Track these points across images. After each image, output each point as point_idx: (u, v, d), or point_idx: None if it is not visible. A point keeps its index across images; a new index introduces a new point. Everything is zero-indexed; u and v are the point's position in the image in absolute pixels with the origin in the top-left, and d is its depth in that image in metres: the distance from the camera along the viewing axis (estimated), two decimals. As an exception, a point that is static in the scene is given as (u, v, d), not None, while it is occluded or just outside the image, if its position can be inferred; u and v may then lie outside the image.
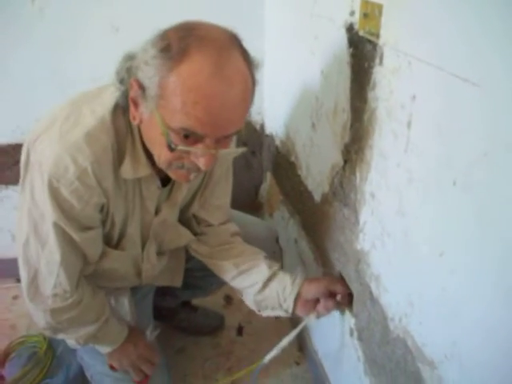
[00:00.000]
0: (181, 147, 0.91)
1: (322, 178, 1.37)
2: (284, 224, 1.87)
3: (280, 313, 1.29)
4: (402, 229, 0.94)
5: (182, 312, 1.84)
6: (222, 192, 1.37)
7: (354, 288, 1.22)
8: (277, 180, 1.98)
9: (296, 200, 1.69)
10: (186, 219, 1.37)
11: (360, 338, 1.23)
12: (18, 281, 1.87)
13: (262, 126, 2.05)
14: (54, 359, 1.65)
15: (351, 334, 1.29)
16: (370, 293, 1.12)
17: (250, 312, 1.90)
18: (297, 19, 1.47)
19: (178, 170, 1.00)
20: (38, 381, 1.57)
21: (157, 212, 1.21)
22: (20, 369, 1.59)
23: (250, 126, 2.04)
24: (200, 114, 0.85)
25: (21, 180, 1.04)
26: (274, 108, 1.88)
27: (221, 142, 0.94)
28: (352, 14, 1.04)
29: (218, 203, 1.38)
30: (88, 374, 1.44)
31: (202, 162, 0.94)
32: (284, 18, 1.62)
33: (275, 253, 1.70)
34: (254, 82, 0.95)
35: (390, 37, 0.90)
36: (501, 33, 0.62)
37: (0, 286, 2.00)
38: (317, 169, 1.42)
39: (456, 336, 0.81)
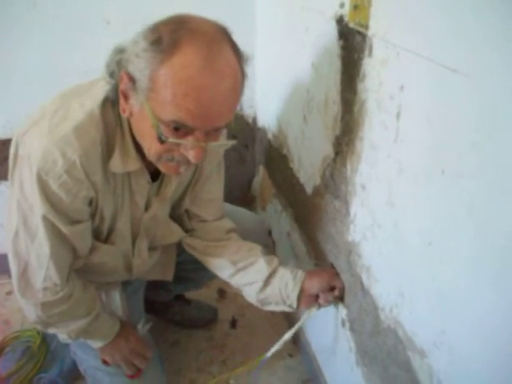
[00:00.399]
0: (171, 139, 0.91)
1: (314, 170, 1.37)
2: (277, 217, 1.88)
3: (284, 308, 1.29)
4: (392, 219, 0.95)
5: (176, 305, 1.85)
6: (214, 186, 1.37)
7: (346, 279, 1.23)
8: (269, 173, 1.98)
9: (288, 193, 1.70)
10: (178, 216, 1.37)
11: (352, 329, 1.24)
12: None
13: (255, 120, 2.05)
14: (48, 353, 1.65)
15: (343, 325, 1.30)
16: (361, 284, 1.13)
17: (244, 305, 1.93)
18: (288, 12, 1.47)
19: (168, 163, 1.00)
20: (33, 375, 1.58)
21: (147, 207, 1.21)
22: (14, 363, 1.59)
23: (242, 119, 2.04)
24: (190, 106, 0.86)
25: (10, 173, 1.03)
26: (266, 101, 1.88)
27: (211, 134, 0.94)
28: (342, 5, 1.05)
29: (210, 197, 1.37)
30: (81, 369, 1.45)
31: (191, 155, 0.94)
32: (275, 11, 1.62)
33: (268, 246, 1.71)
34: (243, 75, 0.95)
35: (379, 28, 0.90)
36: (490, 23, 0.62)
37: (-6, 282, 2.00)
38: (308, 161, 1.43)
39: (445, 325, 0.82)
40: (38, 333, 1.69)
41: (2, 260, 1.87)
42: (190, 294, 1.90)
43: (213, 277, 1.59)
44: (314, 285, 1.25)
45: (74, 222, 1.06)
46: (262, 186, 2.12)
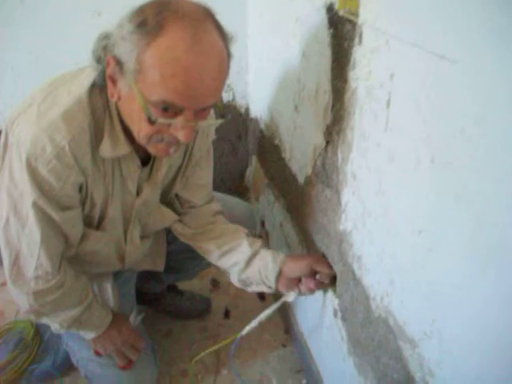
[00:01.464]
0: (161, 120, 0.92)
1: (305, 160, 1.37)
2: (269, 208, 1.87)
3: (264, 289, 1.31)
4: (383, 208, 0.95)
5: (168, 296, 1.85)
6: (204, 172, 1.38)
7: (338, 269, 1.22)
8: (262, 163, 1.98)
9: (281, 183, 1.69)
10: (168, 201, 1.38)
11: (344, 319, 1.24)
12: (3, 268, 1.87)
13: (247, 110, 2.05)
14: (41, 344, 1.66)
15: (335, 315, 1.30)
16: (353, 273, 1.13)
17: (237, 295, 1.94)
18: (278, 2, 1.46)
19: (158, 144, 1.00)
20: (26, 366, 1.58)
21: (138, 193, 1.21)
22: (7, 354, 1.60)
23: (234, 110, 2.03)
24: (179, 86, 0.87)
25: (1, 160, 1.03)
26: (258, 92, 1.87)
27: (199, 113, 0.95)
28: (332, -7, 1.04)
29: (200, 183, 1.38)
30: (74, 360, 1.44)
31: (181, 134, 0.95)
32: (266, 1, 1.61)
33: (261, 236, 1.70)
34: (228, 55, 0.96)
35: (369, 16, 0.89)
36: (477, 9, 0.62)
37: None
38: (300, 151, 1.42)
39: (435, 313, 0.82)
40: (32, 324, 1.69)
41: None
42: (184, 285, 1.90)
43: (205, 266, 1.64)
44: (294, 268, 1.26)
45: (64, 208, 1.05)
46: (255, 176, 2.12)
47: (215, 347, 1.46)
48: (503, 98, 0.60)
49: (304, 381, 1.64)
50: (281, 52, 1.49)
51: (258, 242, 1.32)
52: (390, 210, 0.93)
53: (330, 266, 1.26)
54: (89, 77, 1.02)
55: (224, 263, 1.34)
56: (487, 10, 0.60)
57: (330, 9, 1.05)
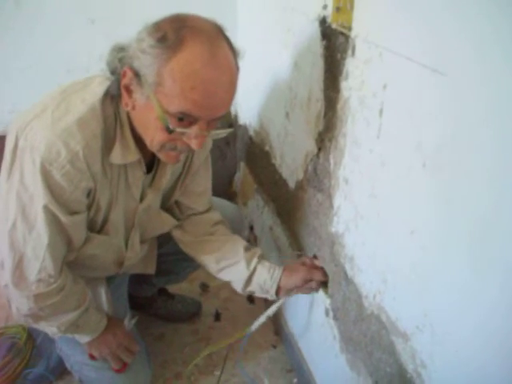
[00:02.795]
0: (178, 129, 0.98)
1: (297, 165, 1.42)
2: (258, 212, 1.92)
3: (268, 297, 1.37)
4: (375, 211, 1.00)
5: (159, 300, 1.88)
6: (203, 179, 1.43)
7: (329, 269, 1.28)
8: (250, 169, 2.02)
9: (271, 188, 1.74)
10: (167, 208, 1.42)
11: (335, 318, 1.29)
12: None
13: (236, 117, 2.09)
14: (34, 349, 1.66)
15: (327, 314, 1.35)
16: (345, 273, 1.18)
17: (227, 299, 1.99)
18: (269, 12, 1.51)
19: (171, 152, 1.07)
20: (19, 371, 1.58)
21: (142, 199, 1.25)
22: (0, 360, 1.60)
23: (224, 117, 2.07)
24: (197, 97, 0.93)
25: (6, 166, 1.06)
26: (247, 99, 1.92)
27: (211, 123, 1.02)
28: (325, 7, 1.09)
29: (199, 190, 1.43)
30: (68, 365, 1.47)
31: (194, 143, 1.01)
32: (257, 11, 1.66)
33: (249, 241, 1.73)
34: (238, 69, 1.02)
35: (362, 29, 0.95)
36: (466, 25, 0.68)
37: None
38: (291, 157, 1.47)
39: (427, 308, 0.87)
40: (24, 329, 1.69)
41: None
42: (174, 289, 1.93)
43: (195, 268, 1.68)
44: (290, 282, 1.33)
45: (72, 212, 1.09)
46: (243, 181, 2.16)
47: (222, 345, 1.52)
48: (489, 107, 0.66)
49: (295, 380, 1.68)
50: (272, 61, 1.54)
51: (255, 257, 1.36)
52: (382, 212, 0.98)
53: (324, 273, 1.31)
54: (101, 86, 1.06)
55: (222, 277, 1.40)
56: (476, 26, 0.66)
57: (322, 21, 1.11)
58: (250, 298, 2.00)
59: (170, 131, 0.98)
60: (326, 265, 1.30)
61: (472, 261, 0.74)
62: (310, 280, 1.31)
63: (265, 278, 1.33)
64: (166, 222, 1.41)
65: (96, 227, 1.21)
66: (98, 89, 1.06)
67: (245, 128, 2.00)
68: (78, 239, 1.16)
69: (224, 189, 2.28)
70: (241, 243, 1.41)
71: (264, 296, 1.37)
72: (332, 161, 1.17)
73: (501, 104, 0.64)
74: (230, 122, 1.70)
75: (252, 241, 2.06)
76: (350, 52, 1.01)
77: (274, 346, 1.82)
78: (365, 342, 1.13)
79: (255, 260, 1.36)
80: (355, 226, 1.10)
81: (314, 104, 1.23)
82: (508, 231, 0.66)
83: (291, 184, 1.50)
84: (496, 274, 0.70)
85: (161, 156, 1.09)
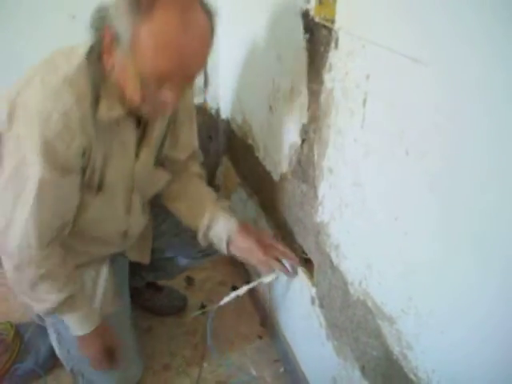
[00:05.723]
0: (152, 88, 1.03)
1: (280, 157, 1.44)
2: (242, 205, 1.94)
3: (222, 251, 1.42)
4: (359, 199, 1.03)
5: (147, 292, 1.89)
6: (187, 131, 1.47)
7: (315, 258, 1.30)
8: (233, 163, 2.04)
9: (254, 181, 1.76)
10: (161, 164, 1.45)
11: (321, 305, 1.32)
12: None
13: (218, 111, 2.11)
14: (21, 345, 1.67)
15: (313, 303, 1.37)
16: (331, 261, 1.21)
17: (212, 291, 2.00)
18: (252, 5, 1.53)
19: (149, 108, 1.10)
20: (8, 366, 1.59)
21: (137, 156, 1.28)
22: (-12, 356, 1.60)
23: (205, 111, 2.09)
24: (169, 58, 0.98)
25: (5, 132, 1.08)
26: (229, 93, 1.93)
27: (186, 81, 1.07)
28: (307, 0, 1.11)
29: (185, 140, 1.47)
30: (62, 351, 1.46)
31: (170, 98, 1.05)
32: (239, 3, 1.67)
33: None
34: (212, 29, 1.05)
35: (345, 22, 0.98)
36: (449, 15, 0.71)
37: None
38: (275, 149, 1.50)
39: (411, 291, 0.90)
40: (11, 325, 1.70)
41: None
42: (160, 281, 1.94)
43: (184, 269, 1.76)
44: (242, 243, 1.37)
45: (65, 172, 1.11)
46: (226, 175, 2.17)
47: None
48: (472, 95, 0.69)
49: (282, 369, 1.71)
50: (254, 54, 1.56)
51: (219, 209, 1.42)
52: (366, 200, 1.01)
53: (293, 258, 1.36)
54: (84, 47, 1.10)
55: (188, 224, 1.46)
56: (458, 16, 0.69)
57: (305, 15, 1.13)
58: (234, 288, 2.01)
59: (144, 88, 1.03)
60: (311, 254, 1.33)
61: (451, 242, 0.77)
62: (265, 255, 1.34)
63: (220, 229, 1.38)
64: (160, 178, 1.45)
65: (93, 188, 1.23)
66: (82, 50, 1.09)
67: (227, 122, 2.02)
68: (70, 206, 1.18)
69: (207, 182, 2.29)
70: (211, 196, 1.48)
71: (219, 250, 1.42)
72: (316, 152, 1.19)
73: (483, 91, 0.67)
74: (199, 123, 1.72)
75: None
76: (333, 44, 1.03)
77: (260, 337, 1.85)
78: (351, 328, 1.16)
79: (218, 210, 1.41)
80: (340, 214, 1.13)
81: (298, 96, 1.25)
82: (486, 211, 0.69)
83: (275, 176, 1.52)
84: (473, 252, 0.73)
85: (142, 112, 1.13)
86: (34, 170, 1.05)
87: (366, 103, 0.94)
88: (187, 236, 1.50)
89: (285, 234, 1.51)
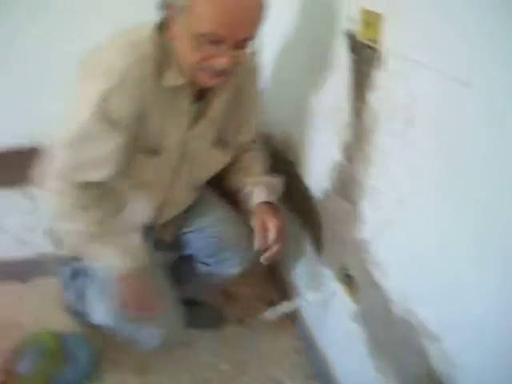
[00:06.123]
0: (207, 48, 1.10)
1: (323, 175, 1.45)
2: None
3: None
4: (403, 218, 1.04)
5: (191, 287, 1.83)
6: (251, 116, 1.53)
7: (357, 275, 1.31)
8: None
9: (295, 198, 1.77)
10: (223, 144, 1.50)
11: (362, 322, 1.32)
12: (23, 282, 1.95)
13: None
14: (63, 355, 1.71)
15: (353, 320, 1.37)
16: (372, 279, 1.21)
17: (249, 306, 2.00)
18: (296, 25, 1.55)
19: (205, 75, 1.17)
20: (50, 376, 1.63)
21: (192, 128, 1.34)
22: (34, 364, 1.64)
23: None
24: (222, 19, 1.05)
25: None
26: (272, 109, 1.96)
27: (239, 44, 1.12)
28: (352, 21, 1.14)
29: (248, 124, 1.54)
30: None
31: (224, 61, 1.12)
32: (284, 22, 1.69)
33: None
34: (264, 1, 1.12)
35: (390, 42, 1.00)
36: (497, 37, 0.72)
37: (6, 288, 2.04)
38: (317, 167, 1.51)
39: (455, 307, 0.91)
40: (54, 335, 1.74)
41: (14, 266, 2.03)
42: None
43: (205, 281, 1.75)
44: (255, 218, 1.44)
45: (115, 124, 1.18)
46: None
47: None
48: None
49: (318, 384, 1.71)
50: (299, 73, 1.58)
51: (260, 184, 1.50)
52: (409, 219, 1.02)
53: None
54: (151, 23, 1.20)
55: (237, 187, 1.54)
56: (506, 38, 0.70)
57: (351, 35, 1.15)
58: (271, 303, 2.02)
59: (198, 50, 1.10)
60: (353, 271, 1.33)
61: (490, 260, 0.77)
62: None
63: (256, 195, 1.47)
64: (216, 158, 1.50)
65: (150, 150, 1.31)
66: (149, 25, 1.19)
67: (267, 136, 2.04)
68: (113, 162, 1.23)
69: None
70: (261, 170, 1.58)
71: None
72: (359, 169, 1.21)
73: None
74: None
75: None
76: (378, 65, 1.05)
77: (298, 352, 1.85)
78: (393, 346, 1.16)
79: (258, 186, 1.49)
80: (382, 232, 1.14)
81: (342, 115, 1.26)
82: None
83: (317, 193, 1.54)
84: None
85: (198, 79, 1.19)
86: (89, 115, 1.14)
87: (410, 123, 0.96)
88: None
89: (326, 250, 1.52)
